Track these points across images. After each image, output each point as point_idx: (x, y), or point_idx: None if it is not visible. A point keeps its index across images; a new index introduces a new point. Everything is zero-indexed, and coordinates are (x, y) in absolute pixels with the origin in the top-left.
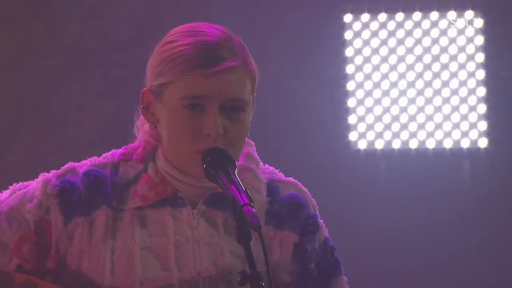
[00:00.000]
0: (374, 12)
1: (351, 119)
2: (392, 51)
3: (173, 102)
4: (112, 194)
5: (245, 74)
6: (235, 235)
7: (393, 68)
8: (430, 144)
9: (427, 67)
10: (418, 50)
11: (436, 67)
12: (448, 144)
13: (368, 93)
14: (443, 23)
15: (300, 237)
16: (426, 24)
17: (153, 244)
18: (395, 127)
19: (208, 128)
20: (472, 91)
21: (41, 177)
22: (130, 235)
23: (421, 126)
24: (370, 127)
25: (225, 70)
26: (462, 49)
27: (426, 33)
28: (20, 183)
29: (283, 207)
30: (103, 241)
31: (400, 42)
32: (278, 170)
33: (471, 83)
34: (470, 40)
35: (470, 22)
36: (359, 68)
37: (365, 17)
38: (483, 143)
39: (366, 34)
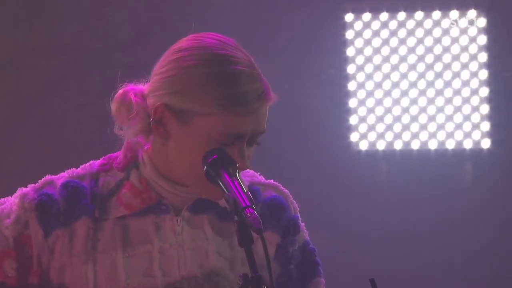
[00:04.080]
0: (375, 12)
1: (352, 120)
2: (394, 50)
3: (205, 133)
4: (92, 204)
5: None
6: (223, 236)
7: (394, 68)
8: (432, 145)
9: (429, 67)
10: (420, 49)
11: (438, 67)
12: (450, 145)
13: (370, 93)
14: (445, 23)
15: (282, 239)
16: (428, 23)
17: (136, 252)
18: (397, 127)
19: (237, 162)
20: (475, 91)
21: (18, 192)
22: (112, 246)
23: (423, 127)
24: (371, 127)
25: (264, 106)
26: (464, 48)
27: (428, 32)
28: None
29: (264, 209)
30: (84, 252)
31: (402, 41)
32: (259, 173)
33: (474, 83)
34: (473, 39)
35: (471, 22)
36: (360, 68)
37: (367, 16)
38: (486, 144)
39: (367, 33)
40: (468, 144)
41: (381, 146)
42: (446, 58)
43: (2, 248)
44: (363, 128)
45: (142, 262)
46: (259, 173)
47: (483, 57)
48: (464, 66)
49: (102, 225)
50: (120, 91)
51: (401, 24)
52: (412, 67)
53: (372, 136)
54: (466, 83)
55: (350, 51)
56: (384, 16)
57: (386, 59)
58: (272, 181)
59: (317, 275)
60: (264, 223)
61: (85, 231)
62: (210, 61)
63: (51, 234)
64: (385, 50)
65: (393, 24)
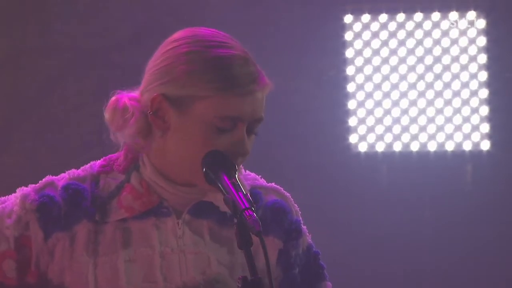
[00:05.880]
0: (374, 13)
1: (352, 121)
2: (393, 52)
3: (204, 118)
4: (93, 207)
5: (266, 91)
6: (221, 243)
7: (394, 69)
8: (432, 147)
9: (429, 68)
10: (419, 51)
11: (437, 68)
12: (450, 146)
13: (369, 95)
14: (444, 24)
15: (284, 243)
16: (427, 25)
17: (137, 256)
18: (396, 129)
19: (237, 150)
20: (474, 93)
21: (19, 192)
22: (113, 249)
23: (423, 129)
24: (370, 129)
25: (260, 89)
26: (464, 50)
27: (427, 34)
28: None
29: (266, 213)
30: (85, 255)
31: (401, 43)
32: (260, 176)
33: (473, 84)
34: (472, 41)
35: (471, 23)
36: (359, 70)
37: (366, 17)
38: (485, 145)
39: (366, 35)
40: (467, 146)
41: (380, 147)
42: (446, 59)
43: (3, 248)
44: (362, 129)
45: (143, 267)
46: (260, 176)
47: (483, 58)
48: (464, 67)
49: (103, 228)
50: (113, 98)
51: (401, 26)
52: (412, 68)
53: (371, 137)
54: (465, 85)
55: (349, 53)
56: (383, 17)
57: (385, 61)
58: (273, 184)
59: (324, 279)
60: (265, 227)
61: (85, 235)
62: (204, 47)
63: (51, 236)
64: (385, 52)
65: (392, 26)
